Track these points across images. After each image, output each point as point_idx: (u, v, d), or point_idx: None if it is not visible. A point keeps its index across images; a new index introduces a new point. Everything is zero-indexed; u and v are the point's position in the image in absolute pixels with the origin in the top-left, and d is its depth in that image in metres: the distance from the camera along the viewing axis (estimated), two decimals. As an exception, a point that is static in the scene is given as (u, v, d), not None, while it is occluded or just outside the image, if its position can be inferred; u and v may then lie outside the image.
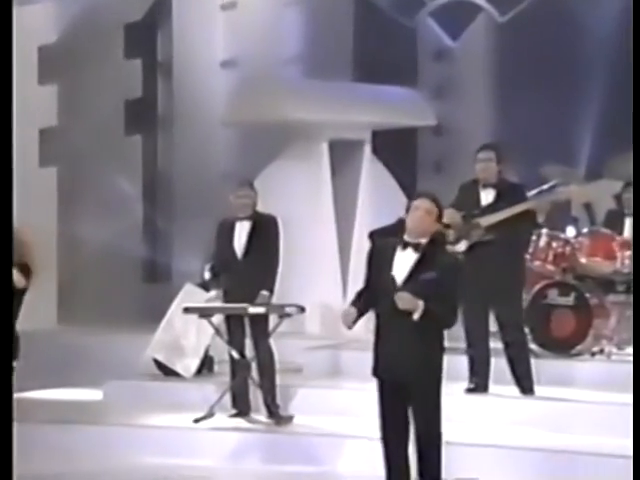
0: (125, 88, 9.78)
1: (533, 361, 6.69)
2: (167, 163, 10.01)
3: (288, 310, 6.61)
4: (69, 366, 7.81)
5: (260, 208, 6.83)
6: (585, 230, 7.69)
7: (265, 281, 6.65)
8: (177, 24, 9.86)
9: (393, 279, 4.81)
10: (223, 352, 6.98)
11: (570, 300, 7.27)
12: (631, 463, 5.11)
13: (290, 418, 6.69)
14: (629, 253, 7.31)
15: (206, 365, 7.61)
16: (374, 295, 4.86)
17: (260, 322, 6.67)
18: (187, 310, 6.84)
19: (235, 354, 6.71)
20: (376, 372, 4.92)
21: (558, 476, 5.73)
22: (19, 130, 6.64)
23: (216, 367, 7.62)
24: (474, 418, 5.70)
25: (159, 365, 7.54)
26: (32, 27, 9.08)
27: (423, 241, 4.87)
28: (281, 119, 8.52)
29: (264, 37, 9.82)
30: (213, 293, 6.76)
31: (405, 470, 4.85)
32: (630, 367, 6.71)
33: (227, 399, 6.77)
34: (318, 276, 8.60)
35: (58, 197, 9.49)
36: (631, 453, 5.16)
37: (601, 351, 7.29)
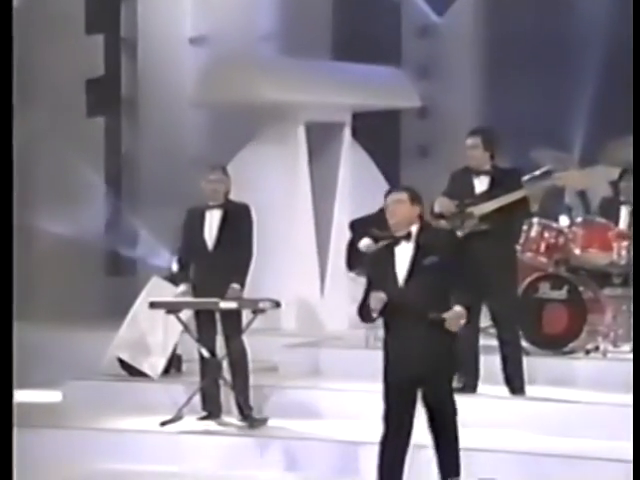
0: (86, 66, 9.72)
1: (524, 359, 6.72)
2: (132, 147, 9.97)
3: (262, 305, 6.60)
4: (26, 365, 7.75)
5: (232, 196, 6.81)
6: (579, 219, 7.71)
7: (237, 274, 6.64)
8: (142, -3, 9.83)
9: (395, 278, 4.99)
10: (192, 350, 6.96)
11: (563, 294, 7.29)
12: (628, 467, 5.14)
13: (264, 421, 6.69)
14: (626, 244, 7.34)
15: (174, 364, 7.59)
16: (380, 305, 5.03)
17: (232, 318, 6.66)
18: (153, 305, 6.82)
19: (205, 352, 6.69)
20: (386, 375, 5.06)
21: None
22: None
23: (185, 366, 7.60)
24: (461, 420, 5.69)
25: (123, 364, 7.51)
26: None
27: (413, 229, 5.06)
28: (255, 100, 8.50)
29: (236, 12, 9.78)
30: (183, 287, 6.74)
31: (399, 477, 4.99)
32: (627, 365, 6.75)
33: (196, 400, 6.76)
34: (295, 268, 8.60)
35: (13, 184, 9.41)
36: (628, 457, 5.19)
37: (596, 348, 7.31)
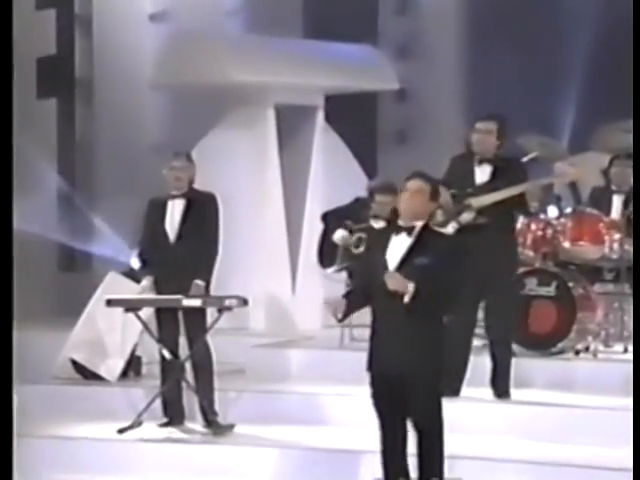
0: (37, 44, 9.66)
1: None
2: (87, 131, 9.93)
3: (228, 302, 6.60)
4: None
5: (197, 184, 6.81)
6: (569, 210, 7.76)
7: (201, 269, 6.63)
8: (98, -31, 9.79)
9: (385, 265, 5.06)
10: (153, 351, 6.96)
11: (551, 290, 7.34)
12: (625, 476, 5.17)
13: (230, 427, 6.69)
14: (618, 236, 7.39)
15: (133, 367, 7.59)
16: (368, 288, 5.12)
17: (196, 316, 6.66)
18: (111, 303, 6.80)
19: (167, 354, 6.69)
20: (370, 368, 5.15)
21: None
22: None
23: (144, 369, 7.60)
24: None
25: (77, 367, 7.50)
26: None
27: (418, 224, 5.12)
28: (220, 81, 8.49)
29: (200, -15, 9.76)
30: (144, 283, 6.73)
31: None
32: (619, 367, 6.82)
33: (157, 406, 6.75)
34: (263, 263, 8.60)
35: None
36: (623, 464, 5.23)
37: (586, 349, 7.36)
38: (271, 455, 6.33)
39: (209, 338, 6.70)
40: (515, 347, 7.17)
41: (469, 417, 6.40)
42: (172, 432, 6.68)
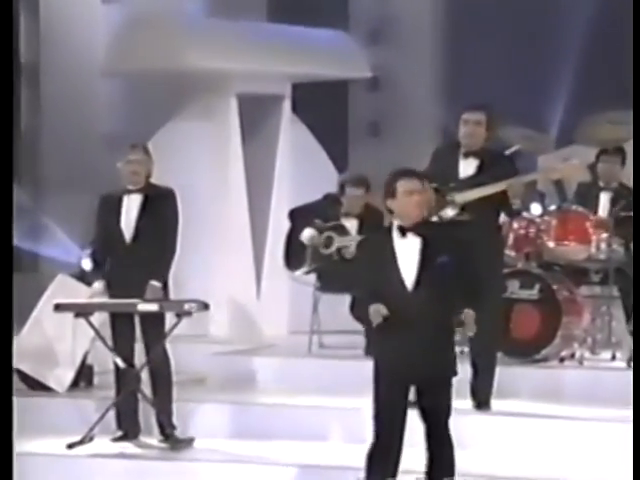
0: (-22, 26, 9.63)
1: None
2: (33, 122, 9.91)
3: (188, 307, 6.62)
4: None
5: (154, 179, 6.82)
6: (553, 207, 7.82)
7: (158, 270, 6.64)
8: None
9: (400, 279, 4.95)
10: (106, 360, 6.96)
11: (534, 293, 7.39)
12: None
13: (189, 441, 6.71)
14: (605, 235, 7.46)
15: (84, 377, 7.59)
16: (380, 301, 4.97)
17: (153, 322, 6.67)
18: (59, 307, 6.80)
19: (121, 362, 6.70)
20: (378, 381, 5.08)
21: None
22: None
23: (96, 379, 7.61)
24: (418, 438, 5.74)
25: (23, 377, 7.49)
26: None
27: (417, 221, 5.04)
28: (178, 68, 8.50)
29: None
30: (96, 286, 6.73)
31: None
32: (607, 375, 6.89)
33: (110, 418, 6.76)
34: (226, 264, 8.62)
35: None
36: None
37: (572, 356, 7.43)
38: (233, 471, 6.34)
39: (167, 345, 6.71)
40: (496, 354, 7.24)
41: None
42: (126, 447, 6.68)
